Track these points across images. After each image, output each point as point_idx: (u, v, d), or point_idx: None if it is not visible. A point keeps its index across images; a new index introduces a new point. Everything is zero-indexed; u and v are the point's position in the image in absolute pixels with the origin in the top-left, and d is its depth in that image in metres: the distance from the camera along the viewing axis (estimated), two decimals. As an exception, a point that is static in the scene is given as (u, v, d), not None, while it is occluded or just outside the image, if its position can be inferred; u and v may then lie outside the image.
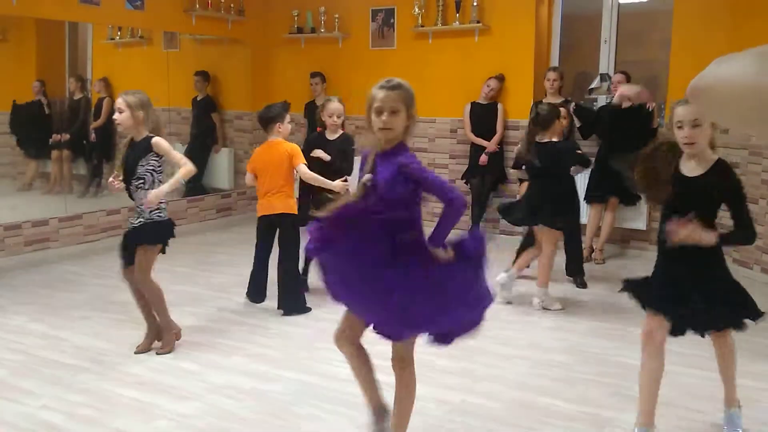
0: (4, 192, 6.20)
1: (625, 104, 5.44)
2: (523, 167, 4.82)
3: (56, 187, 6.42)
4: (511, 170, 4.73)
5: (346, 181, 4.37)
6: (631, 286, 2.75)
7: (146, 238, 3.61)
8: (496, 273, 4.57)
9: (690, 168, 2.61)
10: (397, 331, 2.38)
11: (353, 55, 7.24)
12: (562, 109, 4.89)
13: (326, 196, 4.61)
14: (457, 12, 6.63)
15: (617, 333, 4.05)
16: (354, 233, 2.23)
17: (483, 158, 6.31)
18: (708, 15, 5.61)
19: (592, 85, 6.22)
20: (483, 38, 6.60)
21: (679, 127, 2.55)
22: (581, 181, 5.44)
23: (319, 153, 4.61)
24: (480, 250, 2.32)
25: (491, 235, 6.43)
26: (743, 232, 2.56)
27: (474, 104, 6.47)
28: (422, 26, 6.82)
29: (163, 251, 3.73)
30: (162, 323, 3.78)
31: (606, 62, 6.37)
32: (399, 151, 2.33)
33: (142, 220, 3.61)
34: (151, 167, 3.58)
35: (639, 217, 6.06)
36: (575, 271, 5.16)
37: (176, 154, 3.62)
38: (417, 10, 6.79)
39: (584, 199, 5.65)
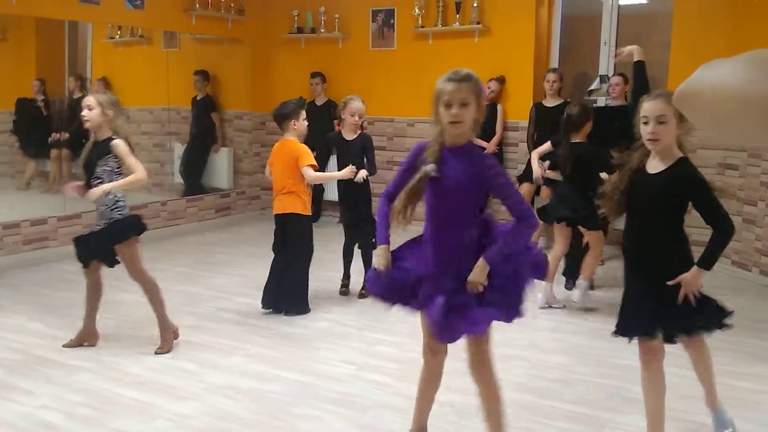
0: (2, 191, 6.20)
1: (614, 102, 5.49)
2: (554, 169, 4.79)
3: (55, 186, 6.42)
4: (547, 171, 4.71)
5: (355, 171, 4.46)
6: (620, 329, 2.64)
7: (116, 237, 3.62)
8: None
9: (653, 166, 2.56)
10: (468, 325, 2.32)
11: (353, 56, 7.25)
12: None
13: (361, 205, 4.67)
14: (457, 13, 6.63)
15: (616, 334, 4.05)
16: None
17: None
18: (708, 17, 5.61)
19: (592, 87, 6.23)
20: (483, 39, 6.61)
21: (645, 123, 2.51)
22: None
23: (363, 174, 4.54)
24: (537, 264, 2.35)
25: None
26: (718, 234, 2.47)
27: (474, 105, 6.46)
28: (422, 27, 6.82)
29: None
30: (158, 319, 3.79)
31: (606, 64, 6.37)
32: (473, 150, 2.34)
33: (105, 221, 3.63)
34: (109, 168, 3.58)
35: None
36: (571, 274, 5.15)
37: (131, 160, 3.55)
38: (417, 10, 6.79)
39: None
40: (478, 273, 2.28)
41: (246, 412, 3.08)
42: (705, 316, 2.55)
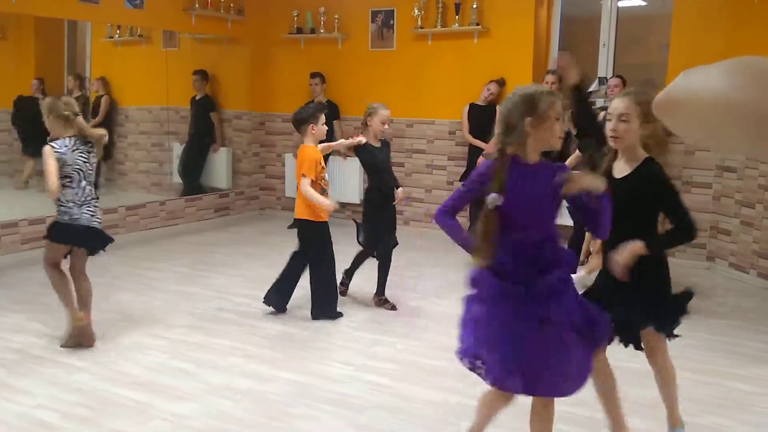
0: (1, 190, 6.20)
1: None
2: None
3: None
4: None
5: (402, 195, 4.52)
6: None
7: (47, 232, 3.83)
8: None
9: (619, 169, 2.53)
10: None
11: (352, 56, 7.25)
12: None
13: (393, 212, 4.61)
14: (457, 14, 6.64)
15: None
16: None
17: (481, 160, 6.32)
18: (707, 18, 5.62)
19: (591, 89, 6.22)
20: (482, 40, 6.61)
21: (608, 120, 2.49)
22: None
23: (400, 196, 4.55)
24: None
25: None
26: (681, 233, 2.46)
27: (472, 106, 6.48)
28: (422, 28, 6.82)
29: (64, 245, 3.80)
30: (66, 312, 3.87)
31: (605, 65, 6.38)
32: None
33: None
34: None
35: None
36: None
37: (45, 168, 3.58)
38: (416, 11, 6.80)
39: None
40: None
41: (244, 412, 3.08)
42: (660, 317, 2.52)
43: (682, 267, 5.48)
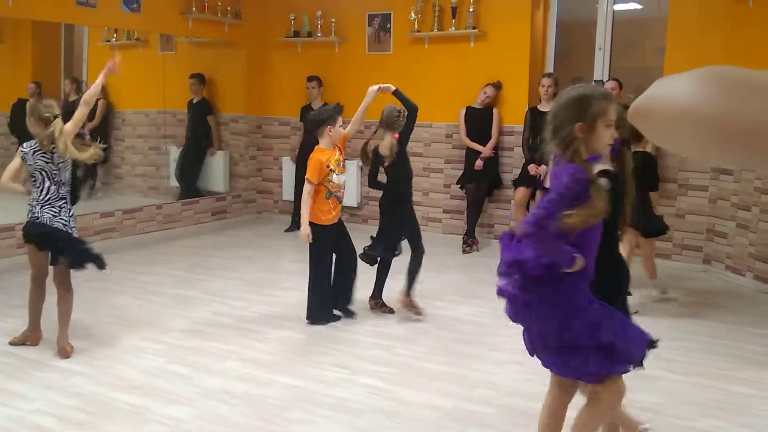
0: (-3, 193, 6.17)
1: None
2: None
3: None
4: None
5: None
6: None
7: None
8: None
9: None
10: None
11: (349, 60, 7.26)
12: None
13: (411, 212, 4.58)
14: (453, 18, 6.65)
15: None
16: None
17: (478, 163, 6.33)
18: (703, 22, 5.63)
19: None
20: (478, 44, 6.62)
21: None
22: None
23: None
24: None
25: (487, 239, 6.44)
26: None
27: (469, 109, 6.49)
28: (418, 31, 6.83)
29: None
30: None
31: (600, 69, 6.39)
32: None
33: None
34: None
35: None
36: None
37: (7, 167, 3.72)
38: (413, 15, 6.81)
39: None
40: None
41: (241, 416, 3.08)
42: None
43: (679, 270, 5.51)
